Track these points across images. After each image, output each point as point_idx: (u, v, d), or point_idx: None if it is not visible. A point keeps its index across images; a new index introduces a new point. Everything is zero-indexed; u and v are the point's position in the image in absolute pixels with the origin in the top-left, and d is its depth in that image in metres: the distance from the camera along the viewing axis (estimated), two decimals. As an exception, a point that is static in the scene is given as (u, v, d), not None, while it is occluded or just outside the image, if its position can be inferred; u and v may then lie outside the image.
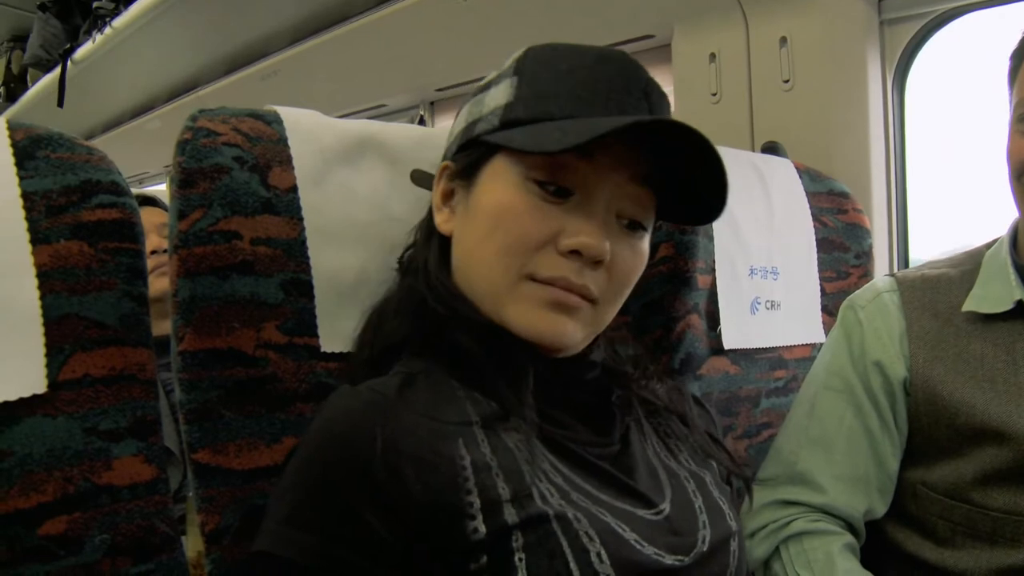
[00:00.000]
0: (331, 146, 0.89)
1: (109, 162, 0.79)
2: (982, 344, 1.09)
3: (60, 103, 3.38)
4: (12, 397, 0.70)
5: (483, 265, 0.76)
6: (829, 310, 1.38)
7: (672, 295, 1.17)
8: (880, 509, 1.12)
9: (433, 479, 0.67)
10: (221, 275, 0.79)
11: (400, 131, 0.94)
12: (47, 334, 0.72)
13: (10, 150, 0.73)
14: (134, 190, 1.00)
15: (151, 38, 2.90)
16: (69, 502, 0.72)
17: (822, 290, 1.40)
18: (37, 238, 0.73)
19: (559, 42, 0.80)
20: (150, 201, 2.00)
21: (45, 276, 0.73)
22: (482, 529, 0.66)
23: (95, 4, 3.04)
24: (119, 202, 0.77)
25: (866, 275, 1.49)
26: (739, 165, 1.29)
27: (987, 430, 1.03)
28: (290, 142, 0.86)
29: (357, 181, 0.89)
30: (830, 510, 1.09)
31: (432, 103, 2.89)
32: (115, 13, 2.92)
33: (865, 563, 1.08)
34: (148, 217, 1.60)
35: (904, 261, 1.72)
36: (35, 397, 0.71)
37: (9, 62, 4.58)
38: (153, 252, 1.83)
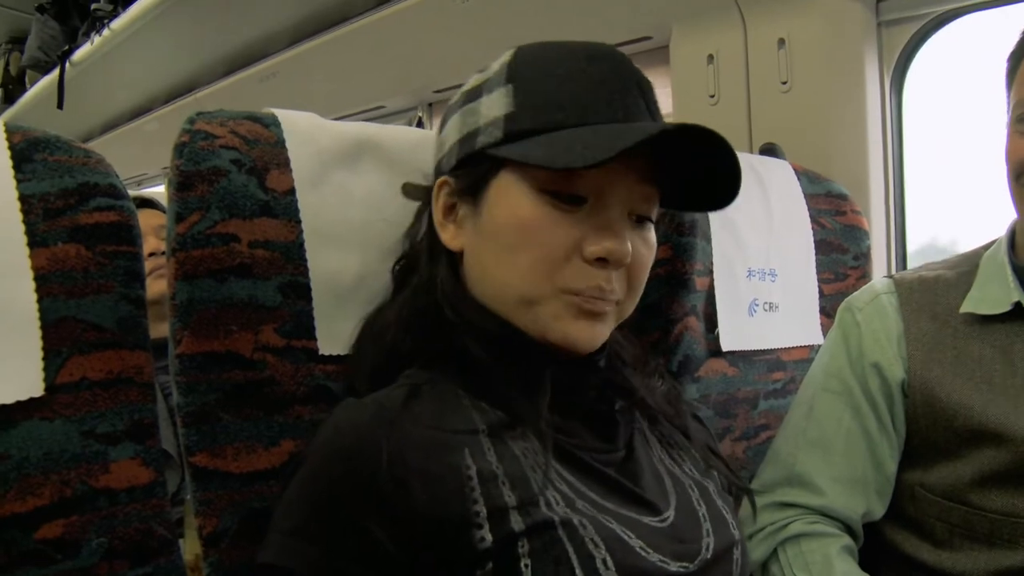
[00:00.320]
0: (329, 148, 0.89)
1: (107, 165, 0.79)
2: (980, 346, 1.09)
3: (60, 105, 3.38)
4: (9, 400, 0.69)
5: (511, 281, 0.76)
6: (827, 312, 1.38)
7: (670, 297, 1.17)
8: (878, 511, 1.12)
9: (439, 491, 0.67)
10: (219, 278, 0.79)
11: (398, 133, 0.94)
12: (44, 337, 0.72)
13: (7, 153, 0.73)
14: (132, 192, 1.00)
15: (149, 40, 2.89)
16: (66, 506, 0.71)
17: (820, 292, 1.40)
18: (34, 241, 0.73)
19: (544, 41, 0.79)
20: (148, 203, 2.00)
21: (42, 279, 0.72)
22: (488, 538, 0.66)
23: (93, 6, 3.04)
24: (116, 205, 0.77)
25: (864, 277, 1.49)
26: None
27: (985, 432, 1.03)
28: (288, 145, 0.86)
29: (355, 183, 0.89)
30: (828, 512, 1.10)
31: (430, 105, 2.89)
32: (113, 15, 2.91)
33: (863, 565, 1.08)
34: (146, 219, 1.59)
35: (902, 262, 1.72)
36: (32, 400, 0.71)
37: (7, 64, 4.58)
38: (151, 254, 1.82)
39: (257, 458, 0.79)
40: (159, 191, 2.94)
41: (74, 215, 0.75)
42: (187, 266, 0.78)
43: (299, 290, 0.83)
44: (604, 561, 0.67)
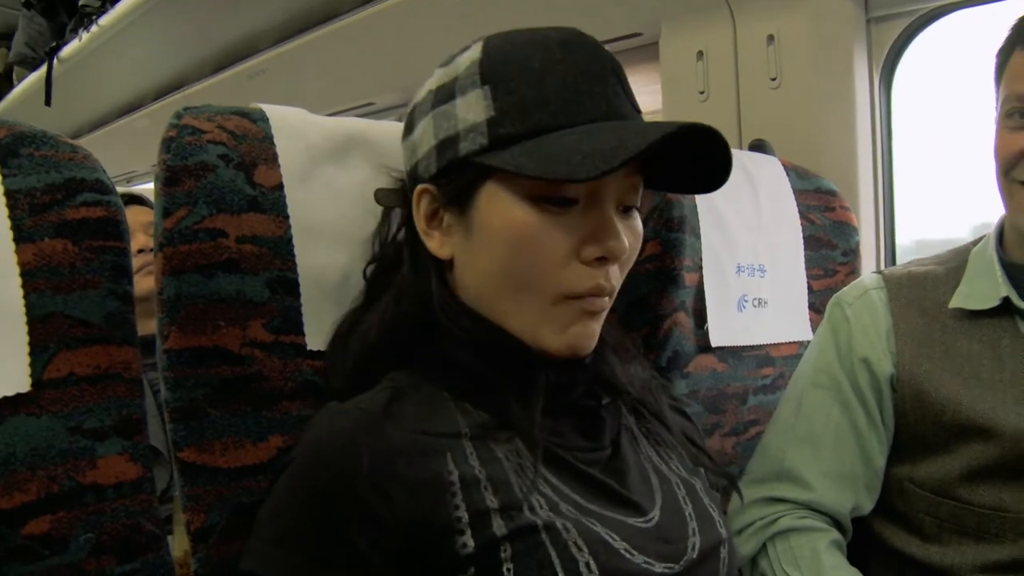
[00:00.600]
0: (317, 144, 0.88)
1: (94, 160, 0.78)
2: (968, 341, 1.09)
3: (47, 101, 3.36)
4: None
5: (510, 291, 0.75)
6: (816, 308, 1.39)
7: (659, 293, 1.17)
8: (867, 505, 1.12)
9: (421, 497, 0.67)
10: (206, 273, 0.78)
11: (387, 129, 0.94)
12: (31, 333, 0.72)
13: None
14: (120, 189, 1.00)
15: (138, 36, 2.88)
16: (53, 501, 0.71)
17: (809, 288, 1.40)
18: (20, 236, 0.72)
19: (509, 31, 0.77)
20: (136, 200, 1.99)
21: (29, 275, 0.72)
22: (471, 544, 0.66)
23: (81, 2, 3.02)
24: (104, 200, 0.77)
25: (853, 272, 1.49)
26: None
27: (973, 427, 1.04)
28: (276, 140, 0.85)
29: (343, 179, 0.89)
30: (817, 507, 1.10)
31: (420, 101, 2.89)
32: (101, 11, 2.90)
33: (852, 559, 1.08)
34: (134, 216, 1.59)
35: (891, 258, 1.73)
36: (18, 396, 0.70)
37: (-6, 60, 4.56)
38: (140, 251, 1.82)
39: (245, 453, 0.79)
40: (149, 188, 2.93)
41: (61, 210, 0.74)
42: (174, 261, 0.78)
43: (287, 286, 0.83)
44: (588, 564, 0.67)
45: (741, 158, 1.35)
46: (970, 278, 1.14)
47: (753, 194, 1.32)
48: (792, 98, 1.69)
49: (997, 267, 1.11)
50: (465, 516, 0.67)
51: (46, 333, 0.73)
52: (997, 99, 1.09)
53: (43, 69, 3.39)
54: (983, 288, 1.11)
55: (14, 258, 0.71)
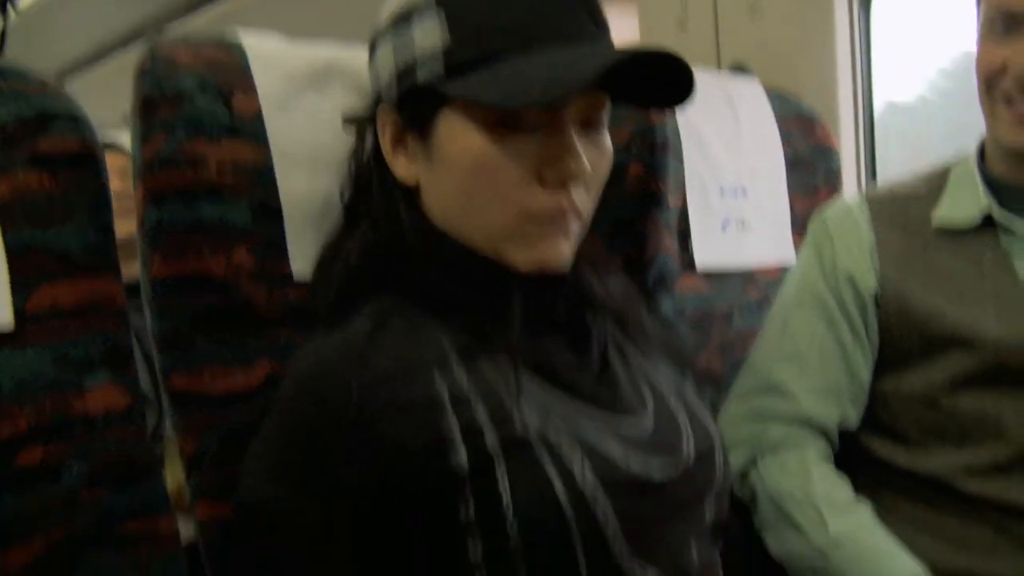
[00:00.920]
0: (297, 71, 0.87)
1: (64, 93, 0.77)
2: (951, 258, 1.10)
3: (-1, 51, 3.28)
4: None
5: (473, 214, 0.75)
6: (799, 231, 1.39)
7: (643, 215, 1.17)
8: (853, 418, 1.14)
9: (411, 420, 0.68)
10: (188, 200, 0.77)
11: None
12: (10, 268, 0.71)
13: None
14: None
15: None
16: (43, 432, 0.71)
17: (791, 211, 1.40)
18: None
19: None
20: (110, 146, 1.96)
21: (5, 209, 0.71)
22: (464, 461, 0.67)
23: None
24: (78, 131, 0.75)
25: (834, 196, 1.50)
26: (705, 85, 1.28)
27: (956, 337, 1.06)
28: (253, 67, 0.84)
29: (325, 106, 0.88)
30: (805, 420, 1.11)
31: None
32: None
33: (839, 471, 1.10)
34: (109, 161, 1.56)
35: (872, 182, 1.73)
36: (1, 333, 0.70)
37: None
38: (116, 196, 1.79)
39: (234, 380, 0.79)
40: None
41: (33, 142, 0.73)
42: (154, 188, 0.77)
43: (270, 213, 0.82)
44: (583, 474, 0.68)
45: (721, 81, 1.34)
46: (951, 194, 1.14)
47: (733, 117, 1.31)
48: (771, 24, 1.68)
49: (979, 183, 1.11)
50: (457, 434, 0.67)
51: (26, 268, 0.72)
52: (978, 16, 1.08)
53: None
54: (965, 204, 1.12)
55: None
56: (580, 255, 0.79)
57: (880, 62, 1.70)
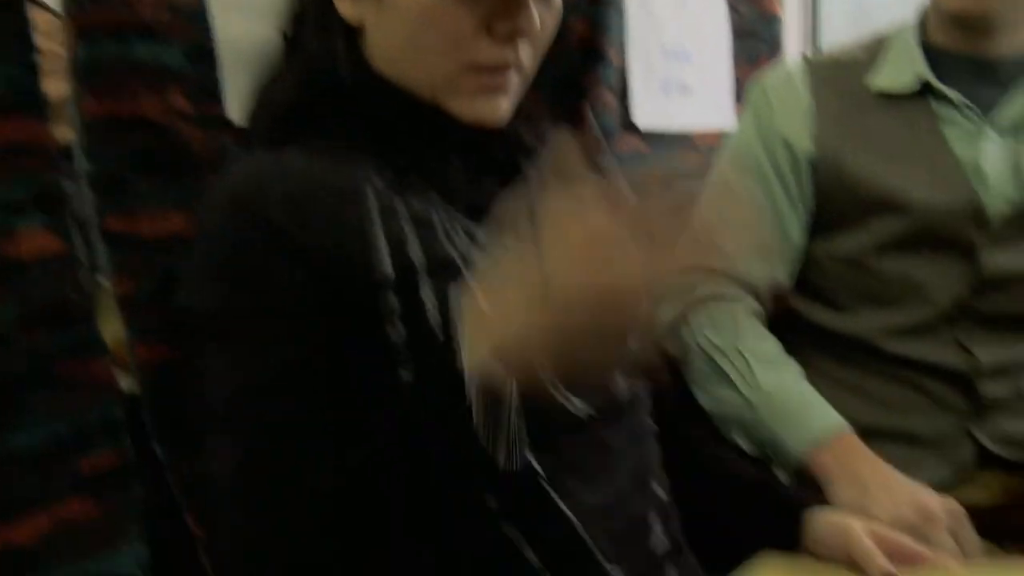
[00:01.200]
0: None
1: None
2: (886, 123, 1.12)
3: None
4: None
5: (417, 62, 0.74)
6: (740, 97, 1.40)
7: (585, 71, 1.17)
8: (783, 279, 1.16)
9: (339, 223, 0.68)
10: (120, 38, 0.75)
11: None
12: None
13: None
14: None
15: None
16: None
17: (734, 77, 1.40)
18: None
19: None
20: (32, 1, 1.87)
21: None
22: (389, 270, 0.67)
23: None
24: None
25: (777, 62, 1.50)
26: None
27: (886, 200, 1.08)
28: None
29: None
30: (737, 277, 1.14)
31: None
32: None
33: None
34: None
35: (815, 49, 1.73)
36: None
37: None
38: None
39: (171, 223, 0.78)
40: None
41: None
42: (85, 24, 0.74)
43: (205, 56, 0.80)
44: None
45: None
46: (890, 61, 1.15)
47: (678, -23, 1.30)
48: None
49: (917, 50, 1.12)
50: (383, 242, 0.68)
51: None
52: None
53: None
54: (902, 71, 1.13)
55: None
56: (519, 108, 0.79)
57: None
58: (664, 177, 0.60)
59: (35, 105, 0.74)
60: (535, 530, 0.72)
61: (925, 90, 1.11)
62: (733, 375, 1.07)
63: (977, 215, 1.08)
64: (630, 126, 1.22)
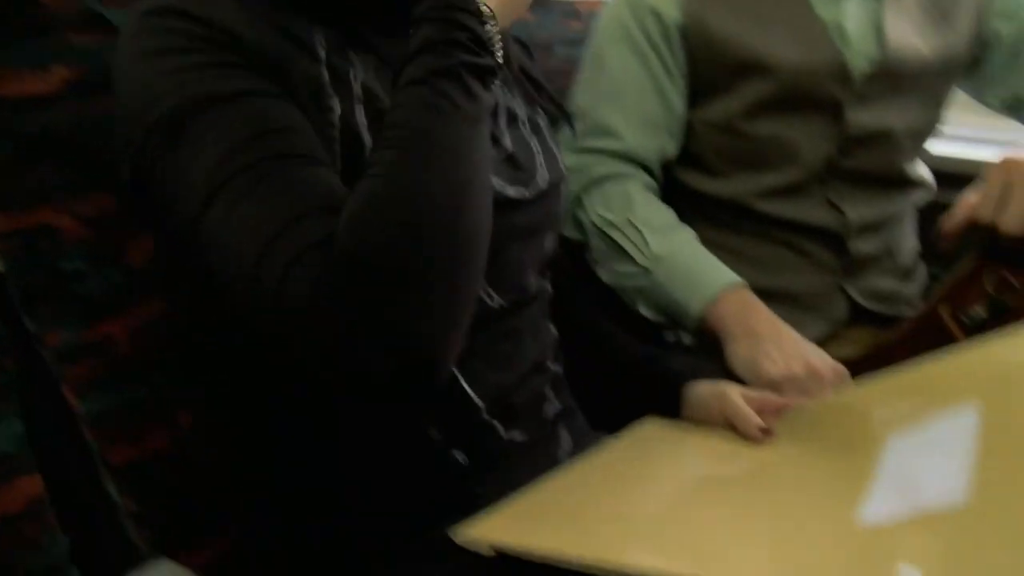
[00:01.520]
0: None
1: None
2: None
3: None
4: None
5: None
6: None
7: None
8: (672, 150, 1.17)
9: (285, 47, 0.66)
10: None
11: None
12: None
13: None
14: None
15: None
16: None
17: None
18: None
19: None
20: None
21: None
22: (337, 107, 0.66)
23: None
24: None
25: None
26: None
27: (752, 63, 1.10)
28: None
29: None
30: (628, 155, 1.14)
31: None
32: None
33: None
34: None
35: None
36: None
37: None
38: None
39: (28, 84, 0.73)
40: None
41: None
42: None
43: None
44: None
45: None
46: None
47: None
48: None
49: None
50: (327, 78, 0.67)
51: None
52: None
53: None
54: None
55: None
56: None
57: None
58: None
59: None
60: (439, 410, 0.74)
61: None
62: (628, 247, 1.09)
63: (841, 74, 1.11)
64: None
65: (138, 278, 0.79)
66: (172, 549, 0.77)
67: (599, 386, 0.94)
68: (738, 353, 0.98)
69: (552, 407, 0.85)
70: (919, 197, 1.27)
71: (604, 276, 1.14)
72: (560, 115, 0.92)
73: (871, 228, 1.19)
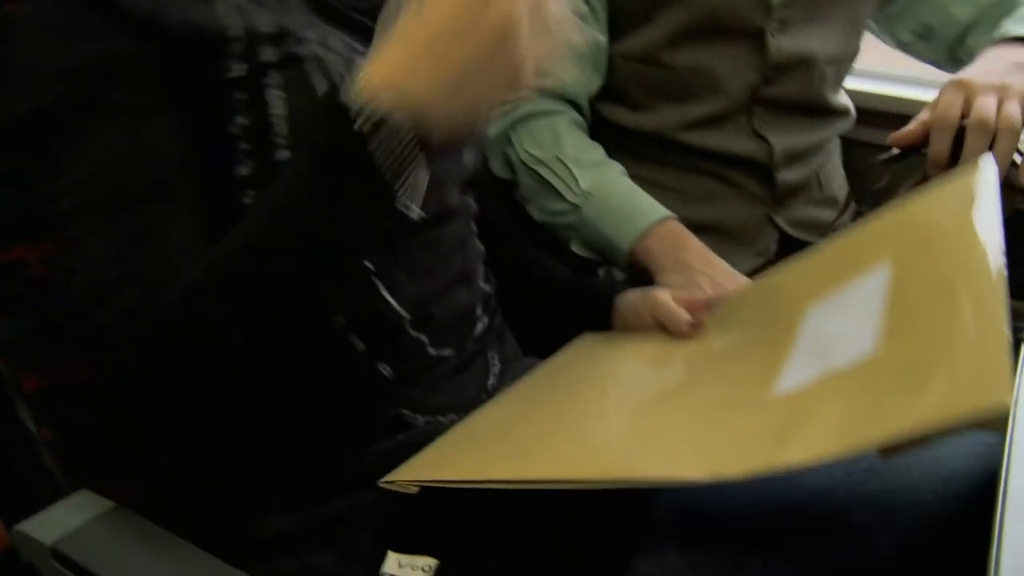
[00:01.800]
0: None
1: None
2: None
3: None
4: None
5: None
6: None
7: None
8: (596, 83, 1.17)
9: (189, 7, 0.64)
10: None
11: None
12: None
13: None
14: None
15: None
16: None
17: None
18: None
19: None
20: None
21: None
22: (241, 67, 0.65)
23: None
24: None
25: None
26: None
27: None
28: None
29: None
30: (555, 91, 1.14)
31: None
32: None
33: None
34: None
35: None
36: None
37: None
38: None
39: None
40: None
41: None
42: None
43: None
44: None
45: None
46: None
47: None
48: None
49: None
50: (242, 34, 0.66)
51: None
52: None
53: None
54: None
55: None
56: None
57: None
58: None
59: None
60: (361, 319, 0.74)
61: None
62: (557, 184, 1.09)
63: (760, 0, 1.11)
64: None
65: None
66: (95, 482, 0.76)
67: (530, 310, 0.94)
68: (669, 284, 0.98)
69: (483, 327, 0.85)
70: (842, 127, 1.28)
71: (535, 214, 1.13)
72: None
73: (797, 157, 1.20)
